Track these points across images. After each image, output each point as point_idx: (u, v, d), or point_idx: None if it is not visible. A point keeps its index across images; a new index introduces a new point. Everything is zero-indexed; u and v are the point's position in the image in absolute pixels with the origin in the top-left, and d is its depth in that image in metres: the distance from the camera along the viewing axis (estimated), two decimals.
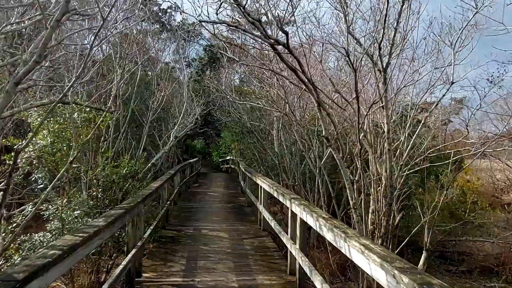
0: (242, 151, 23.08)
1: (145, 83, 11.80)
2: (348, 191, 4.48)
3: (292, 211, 4.78)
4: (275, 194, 5.95)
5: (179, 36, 20.60)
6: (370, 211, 4.94)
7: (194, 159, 15.83)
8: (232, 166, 21.88)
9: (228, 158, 23.25)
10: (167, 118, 11.83)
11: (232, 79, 19.04)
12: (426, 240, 5.70)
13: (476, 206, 9.68)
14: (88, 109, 5.65)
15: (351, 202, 4.52)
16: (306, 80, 4.15)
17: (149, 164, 8.47)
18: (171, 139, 9.92)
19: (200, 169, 21.17)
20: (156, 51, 22.92)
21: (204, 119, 27.86)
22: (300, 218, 4.28)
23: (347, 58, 4.41)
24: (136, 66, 8.31)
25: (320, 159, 7.45)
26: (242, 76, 14.40)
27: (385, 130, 4.45)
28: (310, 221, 3.95)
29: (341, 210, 7.64)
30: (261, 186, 7.50)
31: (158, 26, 22.28)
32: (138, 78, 8.83)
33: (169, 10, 22.03)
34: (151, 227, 5.46)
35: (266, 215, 6.83)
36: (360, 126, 3.97)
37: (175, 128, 10.33)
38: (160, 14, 22.45)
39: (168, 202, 7.63)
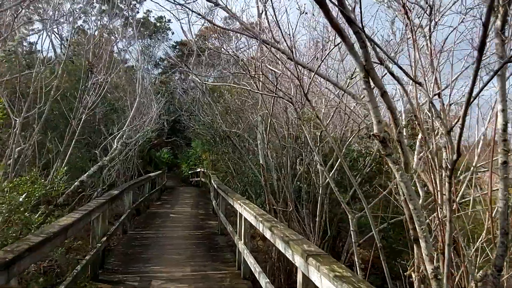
0: (215, 163, 20.71)
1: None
2: (418, 230, 2.34)
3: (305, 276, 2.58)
4: (270, 236, 3.71)
5: (143, 32, 18.15)
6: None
7: (157, 172, 13.28)
8: (203, 179, 19.42)
9: (198, 170, 20.77)
10: (117, 121, 9.37)
11: (205, 78, 16.87)
12: None
13: None
14: None
15: (423, 252, 2.37)
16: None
17: (76, 182, 5.99)
18: (114, 147, 7.46)
19: (166, 183, 18.52)
20: (119, 50, 20.32)
21: (171, 127, 25.23)
22: None
23: None
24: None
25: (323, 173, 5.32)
26: (218, 72, 12.18)
27: None
28: None
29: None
30: (241, 215, 5.25)
31: (121, 22, 19.79)
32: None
33: (133, 2, 19.54)
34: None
35: (250, 260, 4.56)
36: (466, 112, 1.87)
37: (124, 130, 7.90)
38: (122, 6, 19.90)
39: (105, 238, 5.17)
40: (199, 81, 7.58)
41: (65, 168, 5.30)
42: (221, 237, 7.78)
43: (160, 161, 19.72)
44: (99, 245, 4.81)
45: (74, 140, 6.12)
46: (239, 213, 5.40)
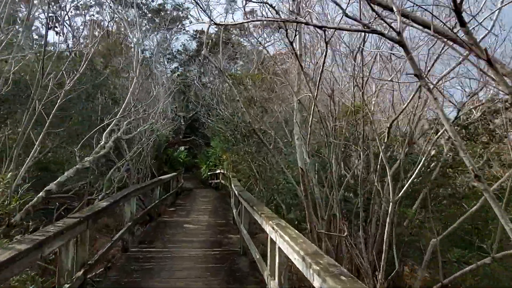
0: (236, 164, 19.16)
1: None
2: None
3: None
4: None
5: (159, 23, 16.82)
6: None
7: (171, 174, 11.83)
8: (223, 181, 17.91)
9: (218, 171, 19.29)
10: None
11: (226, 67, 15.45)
12: None
13: None
14: None
15: None
16: None
17: (41, 194, 4.49)
18: (101, 143, 5.90)
19: (183, 185, 17.13)
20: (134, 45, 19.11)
21: (189, 125, 23.90)
22: None
23: None
24: None
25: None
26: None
27: None
28: None
29: None
30: (273, 242, 3.59)
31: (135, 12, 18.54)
32: None
33: None
34: None
35: None
36: None
37: (118, 122, 6.37)
38: None
39: (81, 273, 3.64)
40: (219, 66, 6.03)
41: (23, 173, 3.81)
42: (244, 259, 6.16)
43: (177, 162, 18.36)
44: (67, 286, 3.28)
45: (41, 134, 4.60)
46: (271, 238, 3.76)
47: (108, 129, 5.88)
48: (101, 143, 5.52)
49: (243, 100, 7.69)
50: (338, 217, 4.38)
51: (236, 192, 7.48)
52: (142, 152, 12.46)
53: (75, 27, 16.26)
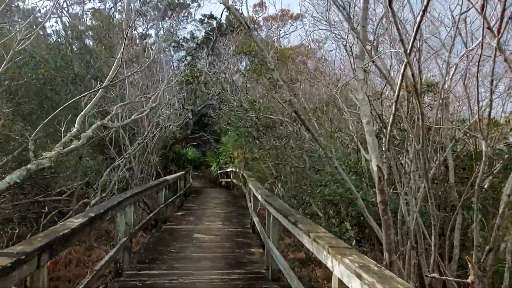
0: (248, 161, 17.64)
1: None
2: None
3: None
4: None
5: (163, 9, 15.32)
6: None
7: (177, 174, 10.35)
8: (234, 181, 16.42)
9: (229, 170, 17.81)
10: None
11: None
12: None
13: None
14: None
15: None
16: None
17: None
18: (73, 131, 4.30)
19: (191, 184, 15.68)
20: (140, 37, 17.76)
21: (198, 121, 22.40)
22: None
23: None
24: None
25: None
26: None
27: None
28: None
29: None
30: None
31: None
32: None
33: None
34: None
35: None
36: None
37: (96, 103, 4.76)
38: None
39: None
40: (244, 20, 4.50)
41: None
42: None
43: (185, 159, 16.90)
44: None
45: None
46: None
47: (86, 110, 4.33)
48: (72, 131, 3.95)
49: (267, 83, 6.12)
50: (433, 242, 2.82)
51: (260, 197, 5.94)
52: (146, 148, 11.01)
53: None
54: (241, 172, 14.32)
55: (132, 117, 6.29)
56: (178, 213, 9.97)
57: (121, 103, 5.80)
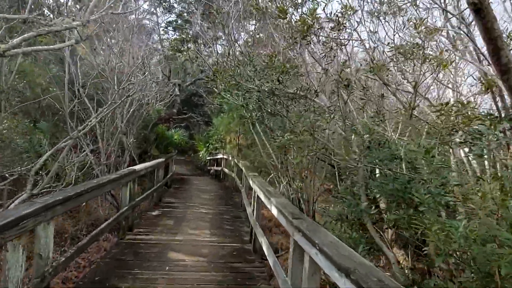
0: (242, 148, 15.27)
1: None
2: None
3: None
4: None
5: None
6: None
7: (155, 162, 7.91)
8: (226, 170, 14.07)
9: (219, 157, 15.43)
10: None
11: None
12: None
13: None
14: None
15: None
16: None
17: None
18: None
19: (175, 172, 13.29)
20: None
21: (186, 100, 19.77)
22: None
23: None
24: None
25: None
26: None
27: None
28: None
29: None
30: None
31: None
32: None
33: None
34: None
35: None
36: None
37: None
38: None
39: None
40: None
41: None
42: None
43: (170, 142, 14.40)
44: None
45: None
46: None
47: None
48: None
49: (301, 21, 3.68)
50: None
51: (276, 209, 3.55)
52: (113, 124, 8.55)
53: None
54: (234, 160, 11.98)
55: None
56: (152, 213, 7.59)
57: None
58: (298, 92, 3.79)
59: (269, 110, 4.16)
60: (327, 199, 10.57)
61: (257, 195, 5.34)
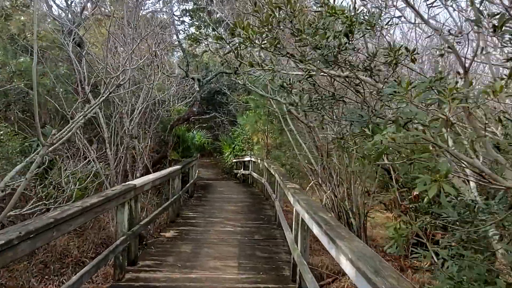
0: (270, 149, 13.66)
1: None
2: None
3: None
4: None
5: None
6: None
7: (167, 171, 6.41)
8: (255, 174, 12.50)
9: (246, 159, 13.92)
10: None
11: None
12: None
13: None
14: None
15: None
16: None
17: None
18: None
19: (197, 178, 11.87)
20: None
21: (209, 99, 18.45)
22: None
23: None
24: None
25: None
26: None
27: None
28: None
29: None
30: None
31: None
32: None
33: None
34: None
35: None
36: None
37: None
38: None
39: None
40: None
41: None
42: None
43: (190, 145, 13.00)
44: None
45: None
46: None
47: None
48: None
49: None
50: None
51: (361, 278, 1.91)
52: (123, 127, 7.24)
53: None
54: (264, 163, 10.41)
55: None
56: (166, 234, 6.12)
57: None
58: (376, 55, 2.13)
59: (329, 91, 2.53)
60: (380, 209, 8.76)
61: (302, 218, 3.71)
